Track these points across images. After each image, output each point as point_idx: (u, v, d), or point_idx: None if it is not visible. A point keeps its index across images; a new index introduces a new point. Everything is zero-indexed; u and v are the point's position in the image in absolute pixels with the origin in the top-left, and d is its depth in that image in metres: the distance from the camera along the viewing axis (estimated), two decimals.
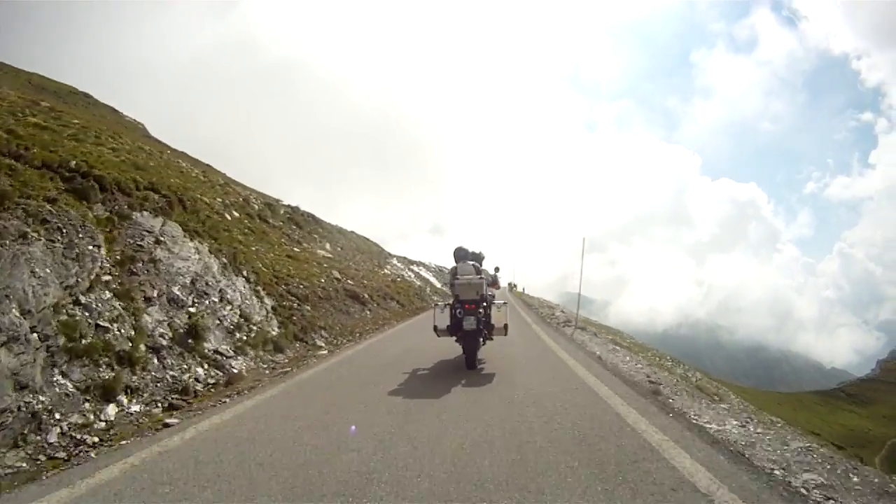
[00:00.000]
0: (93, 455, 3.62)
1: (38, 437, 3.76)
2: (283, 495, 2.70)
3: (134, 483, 2.96)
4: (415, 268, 31.07)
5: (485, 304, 6.50)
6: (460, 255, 7.05)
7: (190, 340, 6.29)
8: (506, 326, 6.59)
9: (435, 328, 6.61)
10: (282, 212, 20.46)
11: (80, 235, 5.90)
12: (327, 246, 19.54)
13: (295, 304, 10.24)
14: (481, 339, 6.66)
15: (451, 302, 6.72)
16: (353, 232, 25.86)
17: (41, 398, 3.99)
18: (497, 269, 8.00)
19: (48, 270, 4.94)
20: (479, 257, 7.21)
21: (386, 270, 22.40)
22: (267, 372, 6.95)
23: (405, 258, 32.65)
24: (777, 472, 2.98)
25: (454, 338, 6.75)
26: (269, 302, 9.52)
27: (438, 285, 31.94)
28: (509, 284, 45.03)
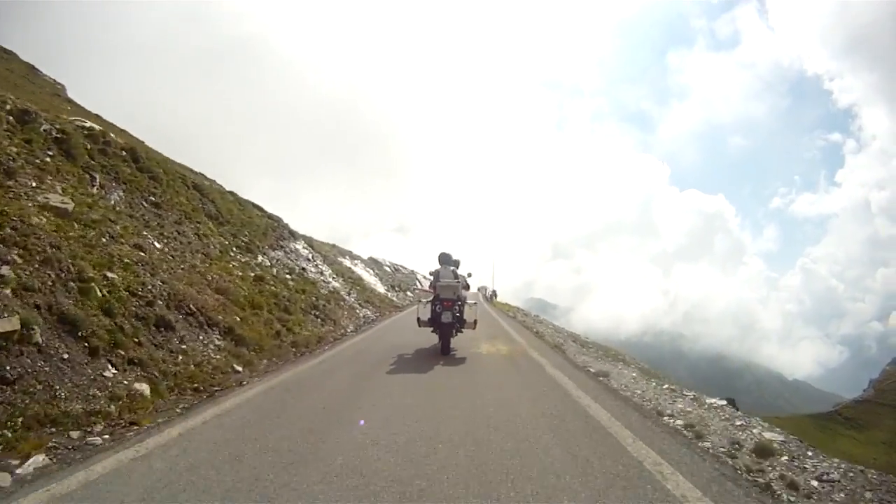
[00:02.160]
0: None
1: None
2: None
3: None
4: (346, 260, 20.49)
5: (459, 302, 8.11)
6: (444, 259, 8.58)
7: None
8: (475, 322, 8.61)
9: (418, 320, 8.43)
10: (43, 128, 9.73)
11: None
12: (112, 199, 8.96)
13: None
14: (454, 331, 8.22)
15: (430, 299, 8.20)
16: (232, 193, 15.08)
17: None
18: (469, 275, 9.20)
19: None
20: (456, 263, 8.74)
21: (262, 259, 11.86)
22: None
23: (334, 245, 22.05)
24: None
25: (431, 329, 8.29)
26: None
27: (381, 290, 21.23)
28: (481, 289, 36.54)
